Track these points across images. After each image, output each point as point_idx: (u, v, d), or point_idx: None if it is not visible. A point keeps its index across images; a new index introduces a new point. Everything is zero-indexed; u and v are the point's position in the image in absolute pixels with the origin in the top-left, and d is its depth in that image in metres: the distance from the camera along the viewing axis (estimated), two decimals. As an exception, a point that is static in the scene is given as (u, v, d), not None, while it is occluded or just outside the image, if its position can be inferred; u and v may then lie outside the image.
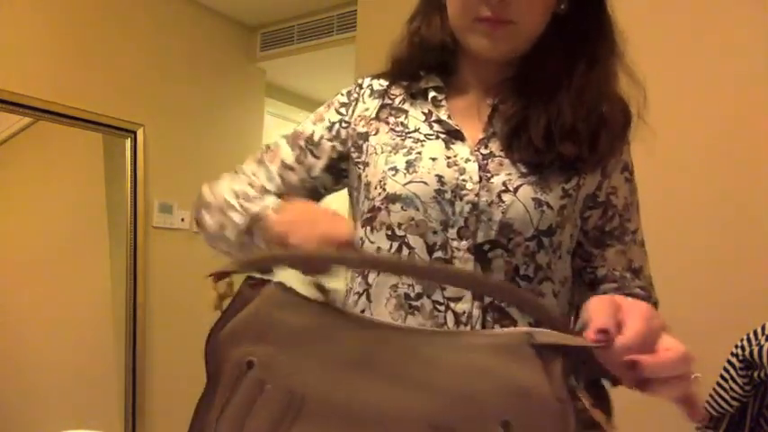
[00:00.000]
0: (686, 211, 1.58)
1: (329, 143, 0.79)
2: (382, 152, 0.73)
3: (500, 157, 0.70)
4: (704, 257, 1.54)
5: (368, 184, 0.74)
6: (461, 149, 0.70)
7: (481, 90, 0.75)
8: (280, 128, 3.40)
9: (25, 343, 2.07)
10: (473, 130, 0.72)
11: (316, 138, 0.80)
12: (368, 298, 0.71)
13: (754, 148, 1.51)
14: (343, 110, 0.81)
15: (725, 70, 1.57)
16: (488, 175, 0.68)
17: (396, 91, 0.79)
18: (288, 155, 0.80)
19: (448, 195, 0.68)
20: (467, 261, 0.66)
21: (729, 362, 1.03)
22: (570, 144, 0.67)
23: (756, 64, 1.52)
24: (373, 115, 0.78)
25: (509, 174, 0.68)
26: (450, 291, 0.66)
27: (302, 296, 0.51)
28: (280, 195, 0.76)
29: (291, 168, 0.80)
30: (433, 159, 0.70)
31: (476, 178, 0.68)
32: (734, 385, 1.01)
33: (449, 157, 0.70)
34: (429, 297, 0.66)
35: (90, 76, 2.37)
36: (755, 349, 0.96)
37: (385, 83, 0.80)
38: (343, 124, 0.79)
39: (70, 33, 2.31)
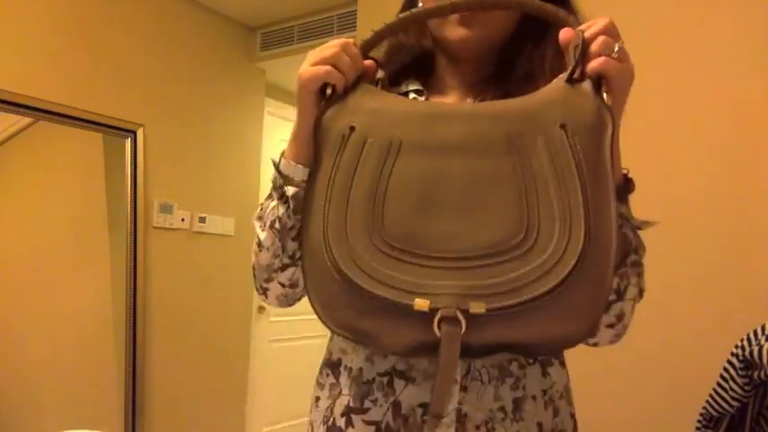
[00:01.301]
0: (686, 211, 1.58)
1: None
2: None
3: None
4: (704, 257, 1.54)
5: None
6: None
7: (461, 91, 0.78)
8: (280, 128, 3.40)
9: (25, 343, 2.07)
10: None
11: None
12: None
13: (755, 148, 1.51)
14: None
15: (724, 70, 1.57)
16: None
17: None
18: None
19: None
20: None
21: (729, 362, 1.03)
22: None
23: (756, 63, 1.52)
24: None
25: None
26: None
27: (388, 93, 0.66)
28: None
29: None
30: None
31: None
32: (734, 385, 1.01)
33: None
34: None
35: (90, 76, 2.37)
36: (755, 349, 0.96)
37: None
38: None
39: (70, 33, 2.31)
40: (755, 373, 0.97)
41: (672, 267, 1.59)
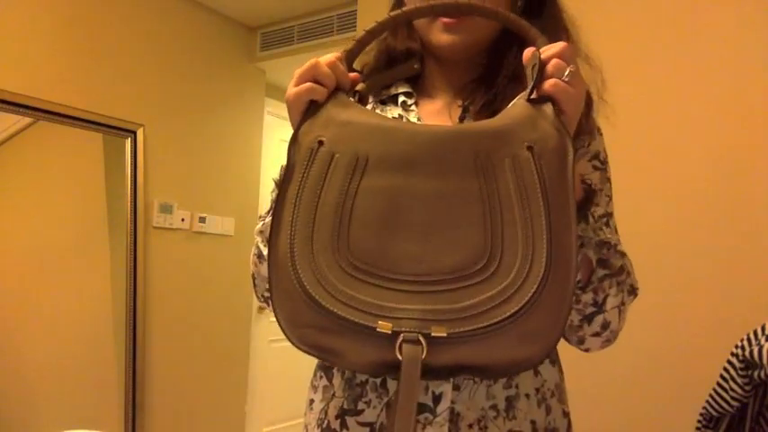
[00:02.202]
0: (686, 211, 1.58)
1: None
2: None
3: None
4: (704, 257, 1.54)
5: None
6: None
7: (450, 93, 0.80)
8: (280, 128, 3.40)
9: (25, 343, 2.07)
10: None
11: None
12: None
13: (755, 148, 1.51)
14: None
15: (724, 70, 1.57)
16: None
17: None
18: None
19: None
20: None
21: (729, 362, 1.03)
22: None
23: (758, 62, 1.52)
24: None
25: None
26: None
27: (361, 106, 0.65)
28: None
29: None
30: None
31: None
32: (734, 385, 1.01)
33: None
34: None
35: (90, 76, 2.37)
36: (755, 349, 0.96)
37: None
38: None
39: (70, 34, 2.31)
40: (755, 373, 0.97)
41: (672, 267, 1.59)
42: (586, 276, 0.66)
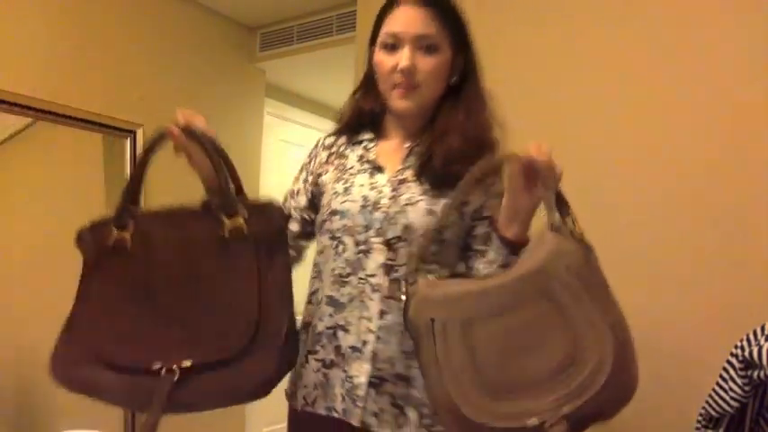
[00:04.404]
0: (686, 212, 1.58)
1: (305, 189, 1.16)
2: (329, 183, 1.09)
3: (410, 182, 1.04)
4: (704, 257, 1.54)
5: (322, 205, 1.10)
6: (381, 178, 1.05)
7: (402, 136, 1.10)
8: (279, 128, 3.40)
9: (25, 343, 2.07)
10: (394, 165, 1.07)
11: (297, 190, 1.18)
12: (319, 278, 1.08)
13: (754, 148, 1.51)
14: (307, 167, 1.18)
15: (721, 67, 1.57)
16: (398, 194, 1.02)
17: (341, 141, 1.15)
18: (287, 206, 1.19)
19: (369, 208, 1.02)
20: (381, 251, 1.00)
21: (729, 362, 1.03)
22: (458, 165, 0.97)
23: (755, 61, 1.52)
24: (324, 161, 1.15)
25: (413, 193, 1.02)
26: (369, 270, 1.00)
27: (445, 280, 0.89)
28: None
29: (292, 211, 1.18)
30: (361, 185, 1.05)
31: (389, 196, 1.02)
32: (733, 385, 1.01)
33: (371, 184, 1.04)
34: (355, 275, 1.01)
35: (90, 76, 2.37)
36: (755, 349, 0.96)
37: (333, 138, 1.17)
38: (309, 176, 1.16)
39: (70, 34, 2.30)
40: (755, 373, 0.97)
41: (672, 267, 1.59)
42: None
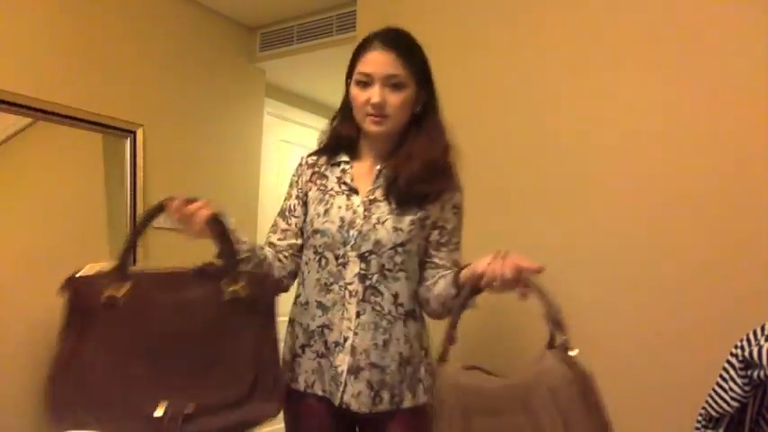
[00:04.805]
0: (685, 211, 1.58)
1: (299, 204, 1.34)
2: (313, 202, 1.30)
3: (379, 201, 1.25)
4: (704, 257, 1.54)
5: (306, 222, 1.31)
6: (356, 199, 1.26)
7: (374, 158, 1.30)
8: (279, 128, 3.40)
9: (25, 342, 2.07)
10: (366, 186, 1.28)
11: (292, 206, 1.35)
12: (303, 285, 1.29)
13: (755, 148, 1.51)
14: (296, 184, 1.36)
15: (724, 70, 1.57)
16: (369, 214, 1.23)
17: (322, 161, 1.34)
18: (281, 222, 1.36)
19: (345, 227, 1.23)
20: (355, 262, 1.22)
21: (729, 362, 1.03)
22: (421, 185, 1.22)
23: (754, 63, 1.52)
24: (308, 179, 1.34)
25: (382, 212, 1.23)
26: (347, 279, 1.22)
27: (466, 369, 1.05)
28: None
29: (286, 226, 1.35)
30: (339, 207, 1.25)
31: (362, 216, 1.23)
32: (733, 385, 1.01)
33: (348, 205, 1.25)
34: (337, 283, 1.23)
35: (90, 76, 2.37)
36: (755, 349, 0.96)
37: (315, 158, 1.36)
38: (300, 192, 1.35)
39: (70, 33, 2.31)
40: (755, 373, 0.97)
41: (672, 267, 1.59)
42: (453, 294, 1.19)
